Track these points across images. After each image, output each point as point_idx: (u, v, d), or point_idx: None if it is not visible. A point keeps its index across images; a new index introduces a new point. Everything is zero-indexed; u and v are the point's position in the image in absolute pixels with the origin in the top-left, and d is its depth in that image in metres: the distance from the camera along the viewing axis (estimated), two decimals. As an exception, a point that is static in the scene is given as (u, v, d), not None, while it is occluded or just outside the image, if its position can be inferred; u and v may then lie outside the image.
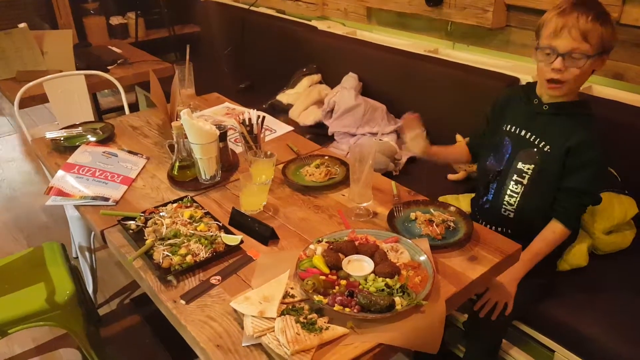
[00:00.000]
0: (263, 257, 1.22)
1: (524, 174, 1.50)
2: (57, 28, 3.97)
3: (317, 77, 2.92)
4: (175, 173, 1.54)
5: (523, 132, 1.50)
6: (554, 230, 1.46)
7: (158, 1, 3.97)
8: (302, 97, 2.79)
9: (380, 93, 2.62)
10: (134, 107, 3.41)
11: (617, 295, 1.53)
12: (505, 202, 1.55)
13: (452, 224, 1.31)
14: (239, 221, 1.34)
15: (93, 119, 2.30)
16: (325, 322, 1.00)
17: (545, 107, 1.46)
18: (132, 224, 1.31)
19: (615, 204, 1.67)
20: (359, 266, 1.13)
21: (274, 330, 0.97)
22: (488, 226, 1.56)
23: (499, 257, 1.20)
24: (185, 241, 1.22)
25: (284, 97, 2.91)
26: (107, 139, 1.82)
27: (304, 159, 1.66)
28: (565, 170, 1.43)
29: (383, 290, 1.05)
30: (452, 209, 1.37)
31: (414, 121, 1.56)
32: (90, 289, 2.10)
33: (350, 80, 2.66)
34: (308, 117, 2.69)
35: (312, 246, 1.20)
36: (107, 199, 1.45)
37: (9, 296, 1.61)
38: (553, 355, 1.54)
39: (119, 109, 3.86)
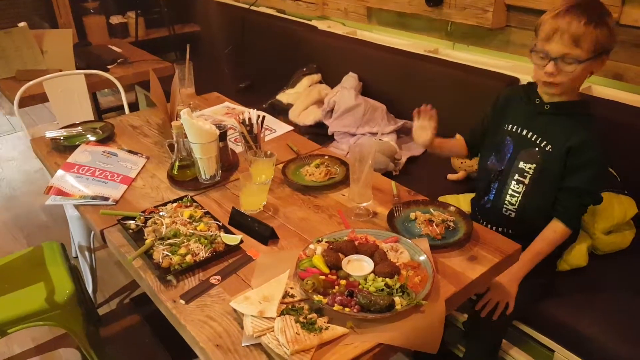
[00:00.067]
0: (263, 257, 1.22)
1: (525, 174, 1.49)
2: (57, 27, 3.96)
3: (317, 76, 2.92)
4: (175, 173, 1.54)
5: (524, 132, 1.50)
6: (555, 229, 1.46)
7: (158, 0, 3.96)
8: (302, 96, 2.79)
9: (380, 93, 2.62)
10: (133, 107, 3.40)
11: (616, 295, 1.53)
12: (506, 202, 1.54)
13: (451, 224, 1.31)
14: (239, 221, 1.34)
15: (93, 119, 2.30)
16: (325, 322, 1.00)
17: (547, 106, 1.46)
18: (131, 223, 1.31)
19: (615, 204, 1.67)
20: (359, 266, 1.13)
21: (273, 330, 0.97)
22: (489, 226, 1.56)
23: (498, 257, 1.20)
24: (185, 241, 1.22)
25: (284, 96, 2.90)
26: (106, 139, 1.82)
27: (304, 158, 1.65)
28: (566, 170, 1.43)
29: (383, 290, 1.05)
30: (451, 208, 1.37)
31: (430, 113, 1.56)
32: (90, 289, 2.10)
33: (350, 80, 2.66)
34: (308, 116, 2.69)
35: (311, 246, 1.20)
36: (106, 199, 1.45)
37: (8, 296, 1.61)
38: (553, 355, 1.54)
39: (119, 109, 3.86)
